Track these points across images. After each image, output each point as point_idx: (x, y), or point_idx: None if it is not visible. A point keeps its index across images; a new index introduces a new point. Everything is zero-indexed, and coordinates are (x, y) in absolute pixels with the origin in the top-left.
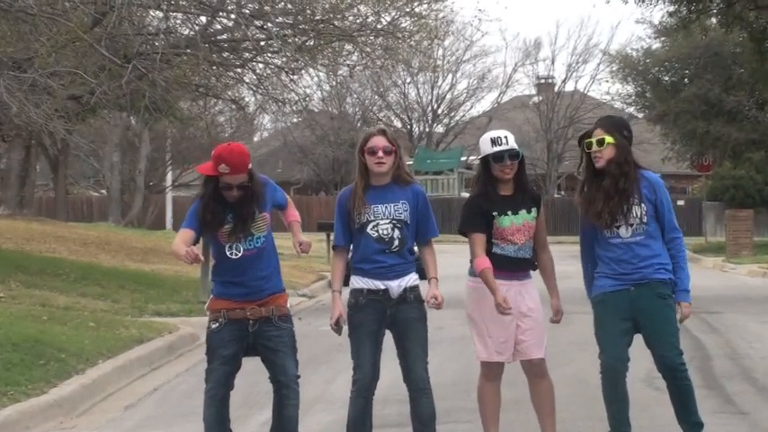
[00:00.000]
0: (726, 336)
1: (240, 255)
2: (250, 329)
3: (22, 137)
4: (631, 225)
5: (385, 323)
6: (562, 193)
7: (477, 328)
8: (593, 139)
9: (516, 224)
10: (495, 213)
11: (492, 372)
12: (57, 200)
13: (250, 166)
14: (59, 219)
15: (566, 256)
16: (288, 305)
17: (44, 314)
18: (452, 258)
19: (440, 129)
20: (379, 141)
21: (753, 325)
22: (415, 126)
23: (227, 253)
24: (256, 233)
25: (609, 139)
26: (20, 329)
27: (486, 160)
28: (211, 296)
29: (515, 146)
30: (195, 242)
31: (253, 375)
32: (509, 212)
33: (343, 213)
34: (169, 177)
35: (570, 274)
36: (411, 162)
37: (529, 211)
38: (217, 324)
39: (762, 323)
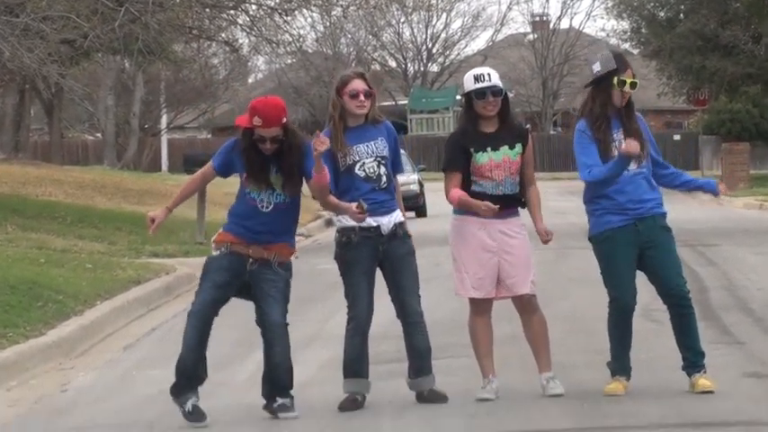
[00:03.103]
0: (723, 268)
1: (270, 208)
2: (248, 267)
3: (15, 81)
4: (638, 158)
5: (377, 259)
6: (558, 129)
7: (456, 264)
8: (631, 80)
9: (495, 160)
10: (472, 150)
11: (480, 307)
12: (52, 144)
13: (285, 120)
14: (55, 162)
15: (563, 192)
16: (292, 258)
17: (41, 257)
18: None
19: (435, 68)
20: (359, 85)
21: (749, 257)
22: (409, 65)
23: (258, 203)
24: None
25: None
26: (17, 272)
27: (469, 97)
28: (220, 230)
29: (498, 83)
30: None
31: (250, 313)
32: (488, 149)
33: (328, 157)
34: (164, 120)
35: (568, 209)
36: (406, 101)
37: (512, 147)
38: (218, 252)
39: (758, 255)
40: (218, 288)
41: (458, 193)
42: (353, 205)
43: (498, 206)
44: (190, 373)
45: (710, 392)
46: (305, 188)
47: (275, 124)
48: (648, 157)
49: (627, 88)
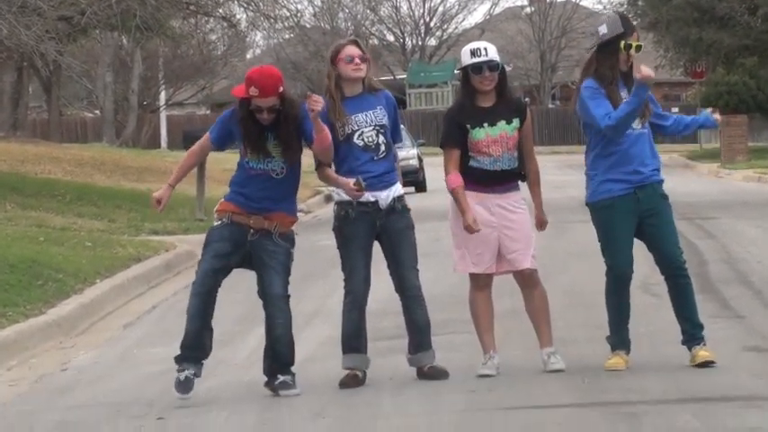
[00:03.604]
0: (722, 241)
1: (283, 175)
2: (249, 238)
3: (13, 59)
4: (643, 116)
5: (374, 234)
6: (557, 102)
7: (456, 239)
8: (636, 44)
9: (492, 136)
10: (468, 126)
11: (480, 282)
12: (50, 121)
13: (281, 89)
14: (53, 140)
15: (562, 166)
16: (293, 228)
17: (40, 235)
18: None
19: (432, 42)
20: (354, 50)
21: (749, 230)
22: (407, 40)
23: (271, 172)
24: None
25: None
26: (16, 251)
27: (466, 71)
28: (222, 200)
29: (496, 57)
30: (205, 153)
31: (254, 289)
32: (485, 124)
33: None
34: (162, 96)
35: (567, 183)
36: (405, 76)
37: (509, 122)
38: (220, 222)
39: (757, 228)
40: (220, 258)
41: (456, 182)
42: (351, 181)
43: (480, 229)
44: (193, 343)
45: (711, 363)
46: (305, 165)
47: (271, 94)
48: (649, 119)
49: (633, 52)
